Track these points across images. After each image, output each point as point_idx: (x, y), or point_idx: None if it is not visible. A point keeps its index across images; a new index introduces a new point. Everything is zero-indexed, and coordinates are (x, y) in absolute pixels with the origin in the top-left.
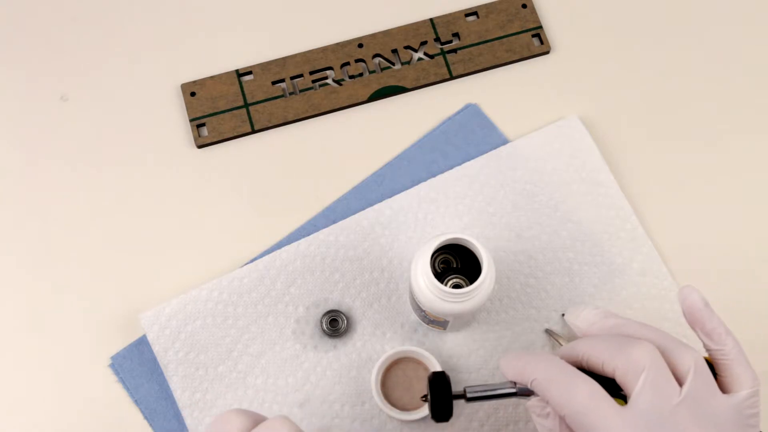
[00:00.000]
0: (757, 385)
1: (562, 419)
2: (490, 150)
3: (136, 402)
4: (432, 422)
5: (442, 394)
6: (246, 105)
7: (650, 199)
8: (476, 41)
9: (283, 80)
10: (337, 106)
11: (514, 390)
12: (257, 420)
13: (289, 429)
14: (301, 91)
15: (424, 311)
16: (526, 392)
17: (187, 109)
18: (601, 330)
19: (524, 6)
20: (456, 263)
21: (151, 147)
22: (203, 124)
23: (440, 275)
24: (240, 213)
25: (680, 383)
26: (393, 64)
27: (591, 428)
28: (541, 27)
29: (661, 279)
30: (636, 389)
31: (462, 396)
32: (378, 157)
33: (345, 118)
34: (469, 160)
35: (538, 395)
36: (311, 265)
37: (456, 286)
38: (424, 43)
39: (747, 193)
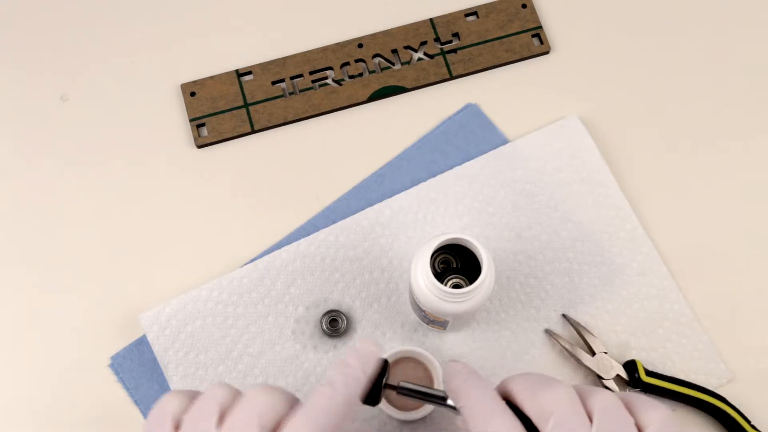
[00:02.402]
0: (668, 418)
1: None
2: (490, 150)
3: (136, 402)
4: (432, 422)
5: (375, 380)
6: (246, 105)
7: (650, 199)
8: (476, 41)
9: (283, 80)
10: (337, 106)
11: (444, 398)
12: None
13: (224, 392)
14: (301, 91)
15: (424, 311)
16: (455, 407)
17: (187, 109)
18: None
19: (524, 6)
20: (456, 263)
21: (151, 147)
22: (203, 124)
23: (440, 275)
24: (240, 213)
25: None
26: (393, 64)
27: None
28: (541, 27)
29: (661, 279)
30: None
31: (395, 387)
32: (378, 157)
33: (345, 118)
34: (469, 160)
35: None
36: (311, 265)
37: (456, 286)
38: (424, 43)
39: (747, 193)
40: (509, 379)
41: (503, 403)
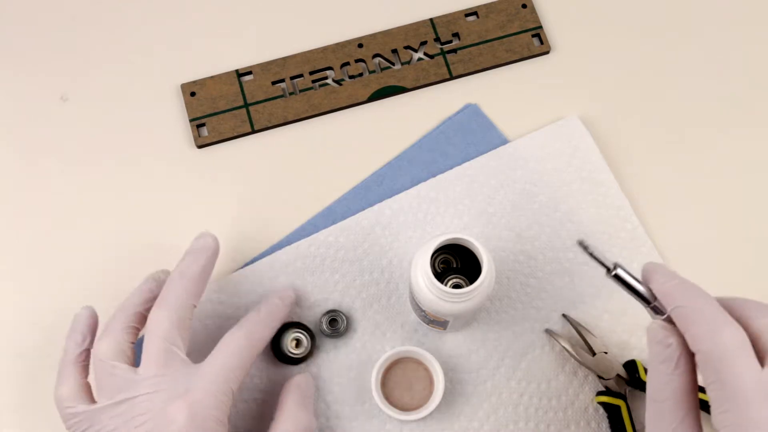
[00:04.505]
0: None
1: (685, 355)
2: (490, 150)
3: None
4: (432, 423)
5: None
6: (246, 105)
7: (650, 199)
8: (476, 41)
9: (283, 80)
10: (337, 106)
11: (651, 300)
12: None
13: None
14: (301, 91)
15: (424, 311)
16: (658, 310)
17: (187, 109)
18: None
19: (524, 6)
20: (456, 263)
21: (151, 147)
22: (203, 124)
23: (440, 275)
24: (240, 213)
25: None
26: (393, 64)
27: (723, 375)
28: (541, 27)
29: None
30: None
31: (609, 270)
32: (378, 157)
33: (345, 118)
34: (469, 160)
35: (662, 319)
36: (311, 266)
37: (456, 286)
38: (424, 43)
39: (747, 193)
40: (738, 303)
41: (725, 311)
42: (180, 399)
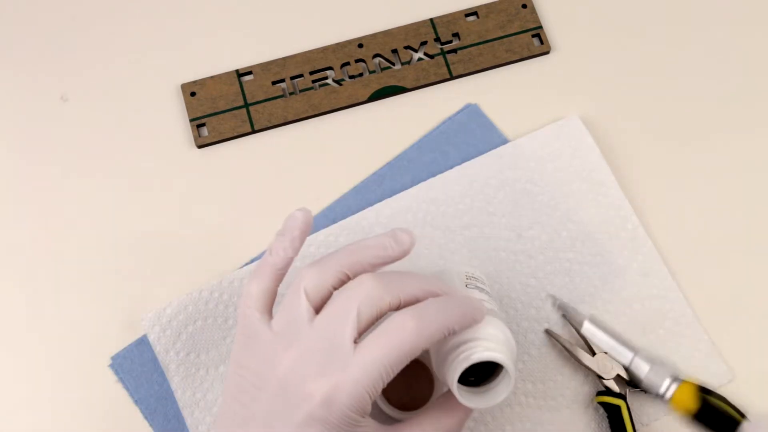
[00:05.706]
0: None
1: None
2: (490, 150)
3: (136, 402)
4: None
5: None
6: (246, 105)
7: (650, 199)
8: (476, 41)
9: (283, 80)
10: (337, 106)
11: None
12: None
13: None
14: (301, 91)
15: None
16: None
17: (187, 109)
18: None
19: (524, 6)
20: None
21: (151, 147)
22: (203, 124)
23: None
24: (240, 213)
25: None
26: (393, 64)
27: None
28: (541, 27)
29: (662, 279)
30: None
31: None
32: (378, 157)
33: (345, 118)
34: (469, 160)
35: None
36: None
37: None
38: (424, 43)
39: (748, 193)
40: None
41: None
42: (326, 378)
